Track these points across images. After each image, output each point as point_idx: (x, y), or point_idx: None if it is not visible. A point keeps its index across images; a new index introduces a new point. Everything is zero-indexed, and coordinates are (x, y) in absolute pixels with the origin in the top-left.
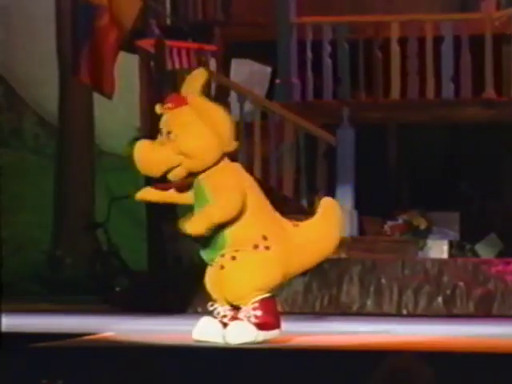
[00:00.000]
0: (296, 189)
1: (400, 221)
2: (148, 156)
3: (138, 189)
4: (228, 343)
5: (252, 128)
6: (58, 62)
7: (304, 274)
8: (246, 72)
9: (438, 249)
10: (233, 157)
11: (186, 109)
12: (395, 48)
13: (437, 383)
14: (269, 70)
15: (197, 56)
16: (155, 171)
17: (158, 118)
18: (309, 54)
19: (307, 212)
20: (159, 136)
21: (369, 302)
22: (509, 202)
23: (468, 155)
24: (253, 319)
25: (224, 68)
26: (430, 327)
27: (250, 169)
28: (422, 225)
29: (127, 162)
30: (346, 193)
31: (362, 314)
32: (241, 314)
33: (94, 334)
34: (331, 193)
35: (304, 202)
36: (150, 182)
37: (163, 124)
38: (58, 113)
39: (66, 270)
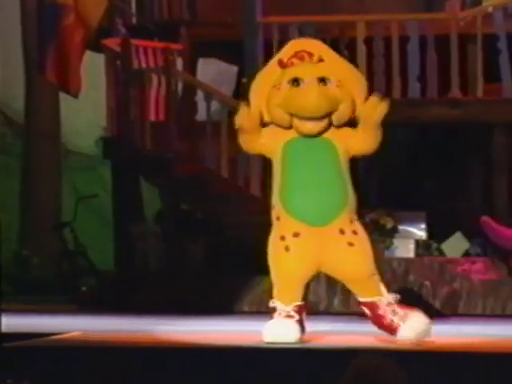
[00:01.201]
0: (263, 188)
1: (367, 220)
2: (320, 98)
3: (105, 188)
4: (409, 338)
5: (219, 127)
6: (24, 61)
7: None
8: (213, 71)
9: (405, 248)
10: (199, 156)
11: (332, 63)
12: (361, 48)
13: (409, 382)
14: (235, 69)
15: (163, 54)
16: (320, 113)
17: (124, 117)
18: (275, 53)
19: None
20: (287, 85)
21: (336, 301)
22: (475, 202)
23: (434, 155)
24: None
25: (191, 67)
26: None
27: (217, 168)
28: (389, 224)
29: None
30: None
31: (329, 312)
32: (389, 303)
33: (61, 333)
34: None
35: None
36: (118, 182)
37: (308, 72)
38: (24, 112)
39: (33, 269)
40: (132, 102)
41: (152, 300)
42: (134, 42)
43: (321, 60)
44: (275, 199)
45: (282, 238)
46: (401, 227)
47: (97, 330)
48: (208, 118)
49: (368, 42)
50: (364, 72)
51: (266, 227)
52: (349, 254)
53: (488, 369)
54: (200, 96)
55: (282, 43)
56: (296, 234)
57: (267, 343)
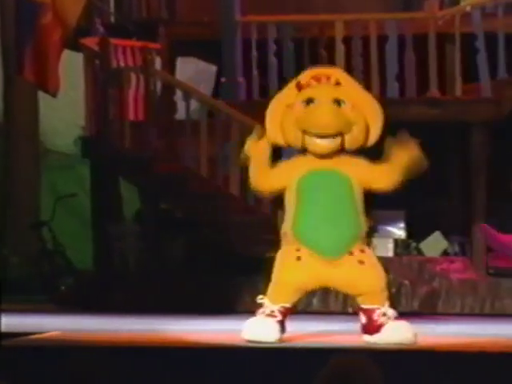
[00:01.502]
0: (242, 187)
1: None
2: (332, 115)
3: (84, 187)
4: (387, 343)
5: (198, 126)
6: (2, 60)
7: None
8: (192, 70)
9: (384, 247)
10: (178, 155)
11: (350, 87)
12: (340, 47)
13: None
14: (214, 68)
15: (142, 54)
16: (332, 130)
17: (103, 117)
18: (254, 52)
19: (253, 210)
20: (301, 104)
21: (315, 301)
22: (453, 201)
23: None
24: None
25: (169, 66)
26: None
27: (196, 167)
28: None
29: (72, 160)
30: None
31: (307, 312)
32: (385, 313)
33: (40, 333)
34: None
35: (251, 201)
36: (97, 181)
37: (323, 93)
38: (2, 111)
39: (12, 269)
40: (111, 101)
41: (131, 299)
42: (113, 41)
43: (338, 83)
44: (287, 229)
45: (297, 250)
46: (380, 226)
47: (76, 329)
48: (187, 117)
49: (346, 41)
50: None
51: (244, 226)
52: (360, 272)
53: (468, 368)
54: (179, 95)
55: (260, 42)
56: (311, 254)
57: (247, 341)
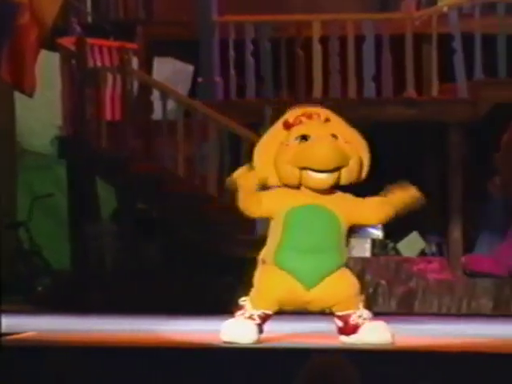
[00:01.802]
0: (220, 187)
1: None
2: (332, 149)
3: (60, 187)
4: (364, 343)
5: (175, 126)
6: None
7: None
8: (169, 70)
9: (361, 247)
10: (155, 155)
11: (339, 124)
12: (317, 47)
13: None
14: (191, 68)
15: (119, 54)
16: (333, 165)
17: (80, 117)
18: (231, 52)
19: (231, 210)
20: (296, 141)
21: None
22: (430, 201)
23: (390, 154)
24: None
25: (146, 66)
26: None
27: (173, 167)
28: None
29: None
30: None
31: (284, 312)
32: (361, 315)
33: (16, 333)
34: None
35: (228, 201)
36: (74, 181)
37: (318, 129)
38: None
39: None
40: (87, 101)
41: (108, 299)
42: (90, 40)
43: (328, 120)
44: (267, 256)
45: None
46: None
47: (52, 329)
48: (164, 117)
49: (323, 41)
50: (320, 71)
51: (222, 226)
52: (333, 283)
53: (446, 368)
54: (156, 95)
55: (238, 42)
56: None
57: (225, 342)
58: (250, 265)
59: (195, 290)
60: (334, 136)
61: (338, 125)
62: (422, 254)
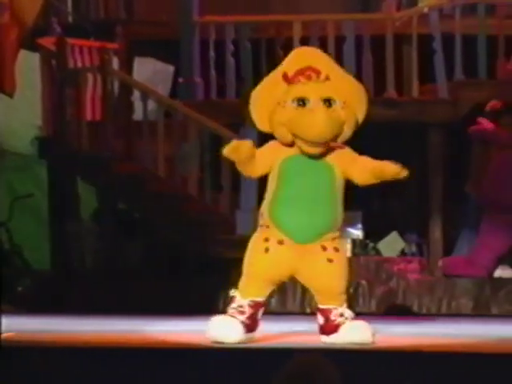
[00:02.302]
0: (200, 187)
1: None
2: (326, 124)
3: (41, 188)
4: (345, 343)
5: (155, 127)
6: None
7: None
8: (149, 70)
9: None
10: (136, 155)
11: (338, 80)
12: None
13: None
14: (172, 68)
15: (99, 54)
16: (325, 139)
17: (60, 117)
18: (211, 53)
19: (211, 210)
20: (293, 104)
21: (272, 301)
22: (411, 201)
23: (370, 154)
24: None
25: (127, 66)
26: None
27: (154, 167)
28: None
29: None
30: (251, 191)
31: (265, 313)
32: (342, 314)
33: None
34: (235, 192)
35: (208, 200)
36: (54, 181)
37: (315, 93)
38: None
39: None
40: (68, 102)
41: (88, 299)
42: (70, 40)
43: (327, 78)
44: (264, 209)
45: (266, 240)
46: None
47: (32, 330)
48: (144, 117)
49: (304, 41)
50: None
51: (202, 226)
52: (327, 269)
53: (427, 368)
54: (136, 95)
55: (218, 43)
56: (280, 242)
57: (211, 342)
58: (231, 265)
59: (175, 290)
60: (332, 100)
61: (338, 82)
62: (402, 253)
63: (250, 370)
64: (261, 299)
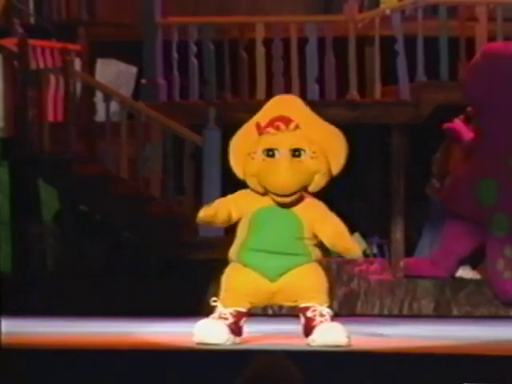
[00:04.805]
0: (163, 189)
1: None
2: (292, 176)
3: (2, 189)
4: (320, 345)
5: (118, 128)
6: None
7: None
8: (112, 72)
9: None
10: (98, 157)
11: (309, 129)
12: (260, 49)
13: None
14: (134, 70)
15: (61, 55)
16: (292, 191)
17: (22, 118)
18: (174, 54)
19: (174, 212)
20: (262, 154)
21: None
22: (373, 202)
23: None
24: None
25: (89, 68)
26: (294, 326)
27: (116, 169)
28: None
29: None
30: (213, 193)
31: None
32: (318, 311)
33: None
34: (198, 193)
35: (171, 202)
36: (16, 183)
37: (282, 143)
38: None
39: None
40: (29, 103)
41: (49, 302)
42: (32, 42)
43: (297, 127)
44: (233, 253)
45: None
46: None
47: None
48: (107, 118)
49: (267, 43)
50: (263, 73)
51: (165, 228)
52: (301, 272)
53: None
54: (99, 97)
55: (181, 44)
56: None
57: (197, 343)
58: (193, 267)
59: (137, 291)
60: (301, 150)
61: (310, 130)
62: (364, 255)
63: (235, 372)
64: (243, 309)
